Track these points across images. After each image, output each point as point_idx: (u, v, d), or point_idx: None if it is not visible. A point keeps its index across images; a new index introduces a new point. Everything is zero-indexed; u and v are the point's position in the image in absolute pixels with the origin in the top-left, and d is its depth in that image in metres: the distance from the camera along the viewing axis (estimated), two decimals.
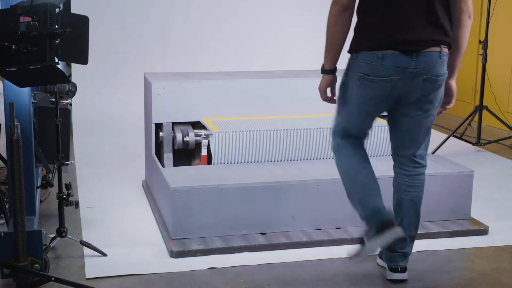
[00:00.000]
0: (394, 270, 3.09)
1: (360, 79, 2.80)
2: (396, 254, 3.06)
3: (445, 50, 2.82)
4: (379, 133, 4.03)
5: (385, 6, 2.75)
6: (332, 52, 2.84)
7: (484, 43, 5.49)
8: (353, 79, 2.83)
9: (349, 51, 2.86)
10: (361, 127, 2.99)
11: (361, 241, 2.95)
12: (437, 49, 2.79)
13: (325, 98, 2.96)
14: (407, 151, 2.99)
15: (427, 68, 2.77)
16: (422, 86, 2.80)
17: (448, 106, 3.03)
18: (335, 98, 2.97)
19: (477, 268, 3.25)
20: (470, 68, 6.89)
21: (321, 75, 2.94)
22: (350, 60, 2.85)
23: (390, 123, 3.01)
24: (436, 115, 2.97)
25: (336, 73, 2.93)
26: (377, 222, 2.86)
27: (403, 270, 3.09)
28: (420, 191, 3.04)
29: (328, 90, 2.95)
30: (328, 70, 2.90)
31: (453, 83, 2.99)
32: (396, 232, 2.83)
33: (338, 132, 2.99)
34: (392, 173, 3.08)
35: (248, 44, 6.61)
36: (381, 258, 3.21)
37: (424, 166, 3.03)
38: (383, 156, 4.06)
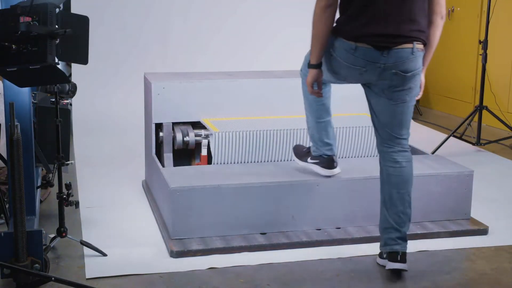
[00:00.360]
0: (393, 258, 3.11)
1: (334, 57, 3.01)
2: (391, 237, 3.11)
3: (419, 46, 2.97)
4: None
5: (364, 2, 2.90)
6: (318, 47, 3.00)
7: (484, 43, 5.48)
8: (329, 53, 3.03)
9: (331, 32, 3.02)
10: (329, 82, 3.28)
11: (307, 153, 3.57)
12: (410, 45, 2.94)
13: (312, 92, 3.15)
14: (384, 130, 3.12)
15: (397, 63, 2.94)
16: (390, 79, 2.98)
17: (416, 97, 3.18)
18: (322, 92, 3.19)
19: (477, 268, 3.25)
20: (470, 68, 6.89)
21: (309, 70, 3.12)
22: (331, 38, 3.00)
23: (367, 101, 3.16)
24: None
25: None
26: (322, 159, 3.49)
27: (403, 258, 3.11)
28: (407, 167, 3.13)
29: (315, 84, 3.12)
30: (315, 65, 3.05)
31: (422, 76, 3.14)
32: (334, 171, 3.50)
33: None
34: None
35: (248, 44, 6.60)
36: (381, 257, 3.22)
37: (407, 146, 3.15)
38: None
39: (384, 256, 3.17)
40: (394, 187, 3.11)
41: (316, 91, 3.13)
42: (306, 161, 3.60)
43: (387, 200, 3.14)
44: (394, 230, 3.11)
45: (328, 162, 3.51)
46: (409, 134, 3.15)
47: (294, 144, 3.95)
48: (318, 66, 3.04)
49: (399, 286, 3.06)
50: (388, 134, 3.11)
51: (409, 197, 3.13)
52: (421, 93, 3.19)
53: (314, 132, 3.48)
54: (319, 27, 2.94)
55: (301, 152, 3.66)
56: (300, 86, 3.46)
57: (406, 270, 3.11)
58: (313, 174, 3.62)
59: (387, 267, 3.13)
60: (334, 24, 2.97)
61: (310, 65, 3.06)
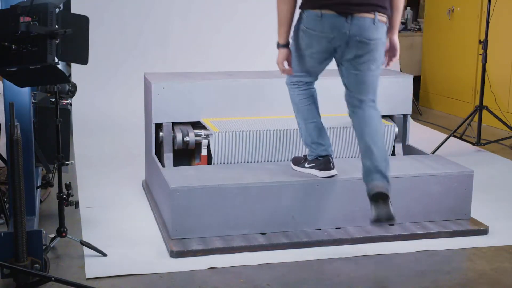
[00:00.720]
0: (374, 188, 3.22)
1: (304, 31, 3.26)
2: (374, 177, 3.24)
3: (381, 18, 3.18)
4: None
5: None
6: (284, 28, 3.31)
7: (484, 43, 5.48)
8: (300, 30, 3.30)
9: (299, 8, 3.29)
10: (311, 71, 3.43)
11: (304, 159, 3.63)
12: (371, 15, 3.17)
13: (283, 70, 3.40)
14: (353, 96, 3.34)
15: (361, 31, 3.17)
16: (355, 47, 3.20)
17: (394, 59, 3.43)
18: (291, 68, 3.41)
19: (477, 268, 3.25)
20: (470, 68, 6.90)
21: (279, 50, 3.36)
22: (300, 14, 3.28)
23: (341, 78, 3.38)
24: (383, 67, 3.41)
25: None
26: (318, 161, 3.54)
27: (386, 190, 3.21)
28: (375, 119, 3.33)
29: (285, 63, 3.37)
30: (283, 45, 3.35)
31: (395, 38, 3.39)
32: (331, 173, 3.52)
33: (292, 78, 3.49)
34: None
35: (248, 45, 6.60)
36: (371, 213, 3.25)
37: (375, 105, 3.34)
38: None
39: (372, 205, 3.22)
40: (368, 137, 3.29)
41: (287, 70, 3.38)
42: (303, 166, 3.63)
43: (364, 151, 3.30)
44: (375, 172, 3.24)
45: (325, 163, 3.53)
46: (376, 96, 3.35)
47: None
48: (285, 45, 3.33)
49: (399, 286, 3.06)
50: (356, 99, 3.32)
51: (383, 145, 3.31)
52: (397, 55, 3.40)
53: (306, 135, 3.56)
54: (283, 7, 3.26)
55: (298, 160, 3.71)
56: None
57: (387, 194, 3.18)
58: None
59: (369, 195, 3.22)
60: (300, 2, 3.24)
61: (278, 45, 3.34)
